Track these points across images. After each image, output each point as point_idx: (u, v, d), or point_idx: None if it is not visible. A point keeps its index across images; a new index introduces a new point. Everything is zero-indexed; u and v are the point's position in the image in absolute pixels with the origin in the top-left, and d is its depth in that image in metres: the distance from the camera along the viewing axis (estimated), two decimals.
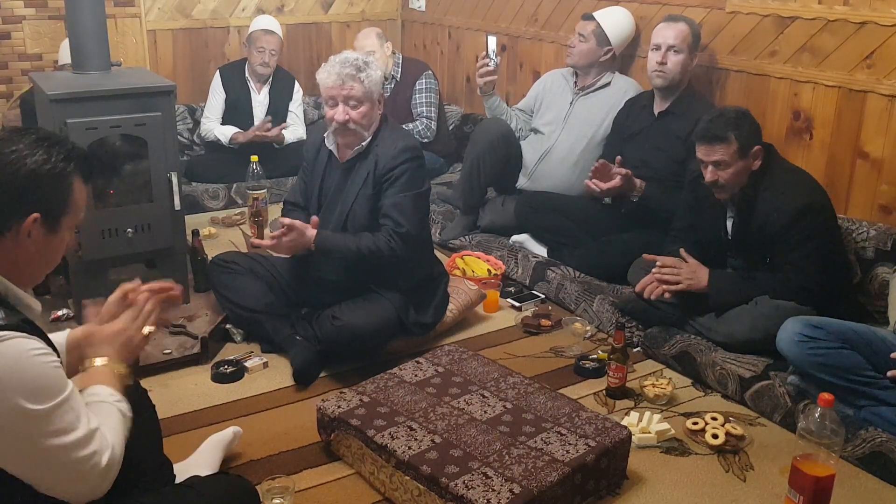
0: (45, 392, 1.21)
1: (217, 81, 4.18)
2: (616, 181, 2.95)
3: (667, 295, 2.47)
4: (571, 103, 3.45)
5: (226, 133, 4.09)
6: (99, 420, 1.31)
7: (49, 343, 1.28)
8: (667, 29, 3.01)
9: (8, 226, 1.29)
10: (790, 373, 2.26)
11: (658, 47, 3.01)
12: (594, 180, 3.00)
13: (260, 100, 4.21)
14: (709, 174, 2.42)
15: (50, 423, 1.21)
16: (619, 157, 3.01)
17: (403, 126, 4.01)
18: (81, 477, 1.26)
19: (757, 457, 2.12)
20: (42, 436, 1.21)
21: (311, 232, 2.43)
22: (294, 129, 4.24)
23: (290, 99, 4.28)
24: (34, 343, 1.22)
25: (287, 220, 2.42)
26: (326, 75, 2.44)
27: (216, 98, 4.16)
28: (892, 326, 2.24)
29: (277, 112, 4.22)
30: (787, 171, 2.49)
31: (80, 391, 1.35)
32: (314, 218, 2.48)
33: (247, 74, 4.18)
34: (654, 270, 2.50)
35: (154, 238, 2.72)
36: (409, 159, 2.48)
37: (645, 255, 2.58)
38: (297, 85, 4.32)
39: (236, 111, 4.17)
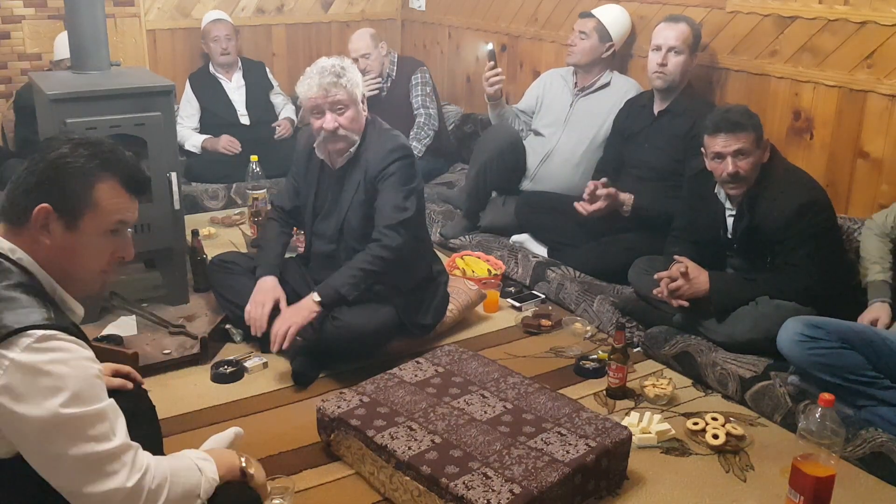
0: (83, 397, 1.20)
1: (188, 89, 4.24)
2: (600, 203, 2.98)
3: (684, 303, 2.46)
4: (572, 104, 3.45)
5: (196, 143, 4.14)
6: (156, 458, 1.29)
7: (91, 347, 1.28)
8: (667, 30, 3.00)
9: (26, 214, 1.30)
10: (790, 373, 2.26)
11: (659, 48, 3.00)
12: (582, 203, 3.02)
13: (233, 86, 4.27)
14: (730, 166, 2.39)
15: (82, 429, 1.20)
16: (604, 179, 3.02)
17: (409, 131, 4.03)
18: (106, 494, 1.22)
19: (757, 457, 2.12)
20: (73, 440, 1.19)
21: (308, 301, 2.38)
22: (288, 108, 4.42)
23: (270, 87, 4.41)
24: (81, 349, 1.23)
25: (292, 329, 2.33)
26: (307, 87, 2.41)
27: (186, 106, 4.21)
28: (872, 277, 2.36)
29: (258, 99, 4.31)
30: (787, 170, 2.49)
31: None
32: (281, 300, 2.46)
33: (212, 70, 4.26)
34: (661, 286, 2.48)
35: (154, 238, 2.72)
36: (399, 158, 2.47)
37: (655, 276, 2.54)
38: (268, 70, 4.44)
39: (217, 106, 4.21)
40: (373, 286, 2.49)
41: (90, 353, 1.25)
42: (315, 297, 2.39)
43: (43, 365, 1.17)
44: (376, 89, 4.03)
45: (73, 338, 1.22)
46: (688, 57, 3.00)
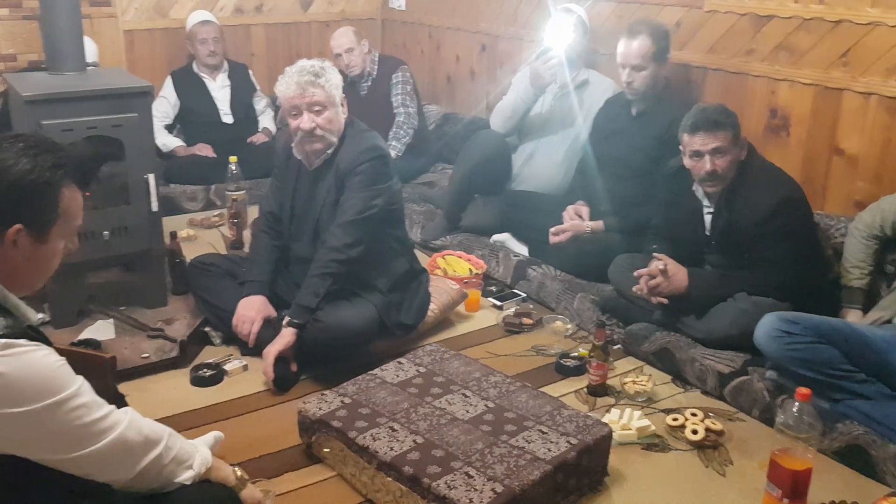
0: (54, 387, 1.24)
1: (168, 86, 4.21)
2: (564, 236, 3.07)
3: (663, 300, 2.49)
4: (552, 103, 3.46)
5: (168, 144, 4.12)
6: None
7: (51, 346, 1.30)
8: (627, 47, 2.96)
9: None
10: (768, 368, 2.28)
11: (624, 66, 3.00)
12: (554, 229, 3.11)
13: (217, 86, 4.26)
14: (708, 164, 2.41)
15: (65, 412, 1.24)
16: (579, 203, 3.14)
17: (389, 130, 4.03)
18: (100, 450, 1.28)
19: (736, 452, 2.14)
20: (58, 423, 1.24)
21: (285, 330, 2.39)
22: (267, 115, 4.42)
23: (254, 90, 4.40)
24: (42, 350, 1.25)
25: (270, 360, 2.37)
26: (285, 86, 2.41)
27: (162, 102, 4.17)
28: (849, 282, 2.44)
29: (241, 100, 4.31)
30: (764, 168, 2.52)
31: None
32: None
33: (196, 70, 4.24)
34: (640, 284, 2.50)
35: (131, 241, 2.70)
36: (370, 159, 2.47)
37: (635, 273, 2.55)
38: (250, 73, 4.44)
39: (199, 105, 4.20)
40: (344, 284, 2.48)
41: (51, 350, 1.27)
42: (288, 322, 2.41)
43: (10, 371, 1.20)
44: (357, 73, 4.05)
45: (33, 343, 1.25)
46: (654, 69, 2.96)
